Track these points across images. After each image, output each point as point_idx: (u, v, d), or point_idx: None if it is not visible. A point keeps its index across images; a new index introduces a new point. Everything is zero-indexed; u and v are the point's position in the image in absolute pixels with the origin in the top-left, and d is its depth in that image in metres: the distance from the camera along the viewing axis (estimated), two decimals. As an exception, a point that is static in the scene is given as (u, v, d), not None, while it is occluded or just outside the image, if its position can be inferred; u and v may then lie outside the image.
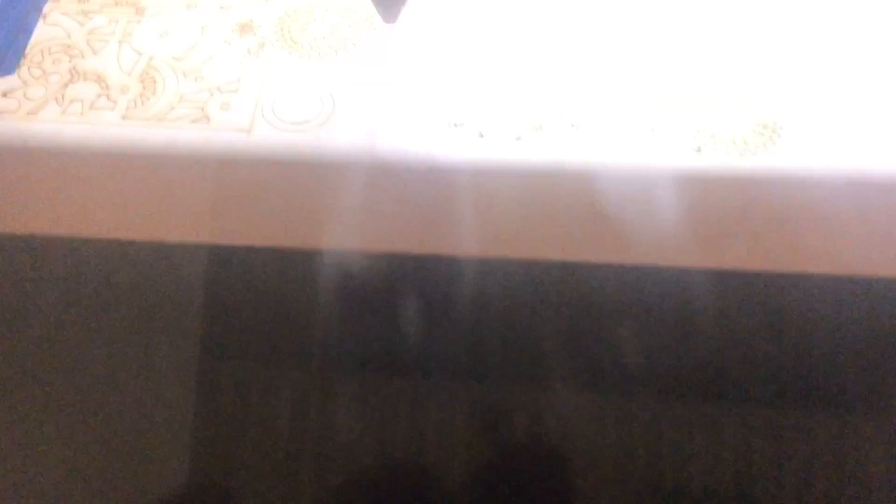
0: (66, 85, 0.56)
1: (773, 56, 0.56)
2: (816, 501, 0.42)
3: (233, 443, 0.44)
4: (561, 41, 0.58)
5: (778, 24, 0.58)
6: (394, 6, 0.45)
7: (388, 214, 0.51)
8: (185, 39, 0.58)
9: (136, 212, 0.50)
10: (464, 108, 0.54)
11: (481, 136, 0.53)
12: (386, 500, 0.41)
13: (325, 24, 0.60)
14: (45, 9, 0.61)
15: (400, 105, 0.55)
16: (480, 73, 0.56)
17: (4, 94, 0.55)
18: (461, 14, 0.59)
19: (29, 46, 0.58)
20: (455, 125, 0.54)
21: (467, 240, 0.49)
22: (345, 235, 0.49)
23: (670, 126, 0.53)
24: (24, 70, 0.57)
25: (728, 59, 0.57)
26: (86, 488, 0.44)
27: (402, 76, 0.56)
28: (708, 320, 0.46)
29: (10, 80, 0.56)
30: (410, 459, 0.42)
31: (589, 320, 0.47)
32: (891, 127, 0.52)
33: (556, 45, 0.58)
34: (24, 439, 0.45)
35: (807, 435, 0.44)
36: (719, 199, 0.51)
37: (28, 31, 0.59)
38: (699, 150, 0.52)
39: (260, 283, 0.49)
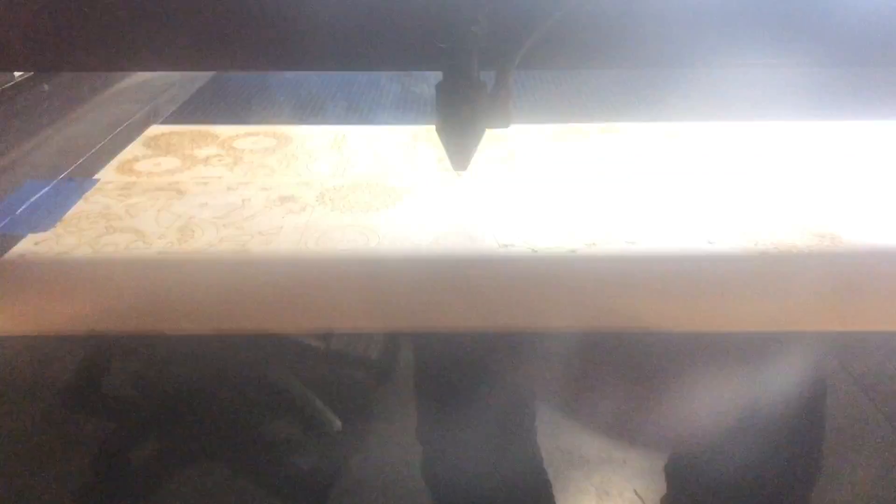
0: (100, 236, 0.54)
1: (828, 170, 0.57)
2: None
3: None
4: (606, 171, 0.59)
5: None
6: (465, 155, 0.46)
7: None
8: (226, 207, 0.59)
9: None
10: (514, 229, 0.53)
11: (534, 251, 0.51)
12: None
13: (366, 193, 0.61)
14: (87, 196, 0.61)
15: (448, 231, 0.53)
16: (530, 199, 0.56)
17: (36, 244, 0.53)
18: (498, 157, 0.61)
19: (66, 216, 0.58)
20: (505, 246, 0.52)
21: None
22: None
23: (728, 236, 0.52)
24: (58, 228, 0.56)
25: (783, 171, 0.58)
26: None
27: (448, 210, 0.56)
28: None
29: (42, 234, 0.55)
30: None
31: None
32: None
33: (603, 171, 0.59)
34: None
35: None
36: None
37: (67, 207, 0.59)
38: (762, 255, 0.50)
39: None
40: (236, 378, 0.43)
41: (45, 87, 0.78)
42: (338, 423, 0.40)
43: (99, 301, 0.47)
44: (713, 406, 0.42)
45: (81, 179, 0.64)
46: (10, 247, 0.53)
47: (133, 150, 0.71)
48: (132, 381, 0.43)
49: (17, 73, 0.74)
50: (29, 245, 0.53)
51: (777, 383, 0.43)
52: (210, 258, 0.51)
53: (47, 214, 0.58)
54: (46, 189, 0.62)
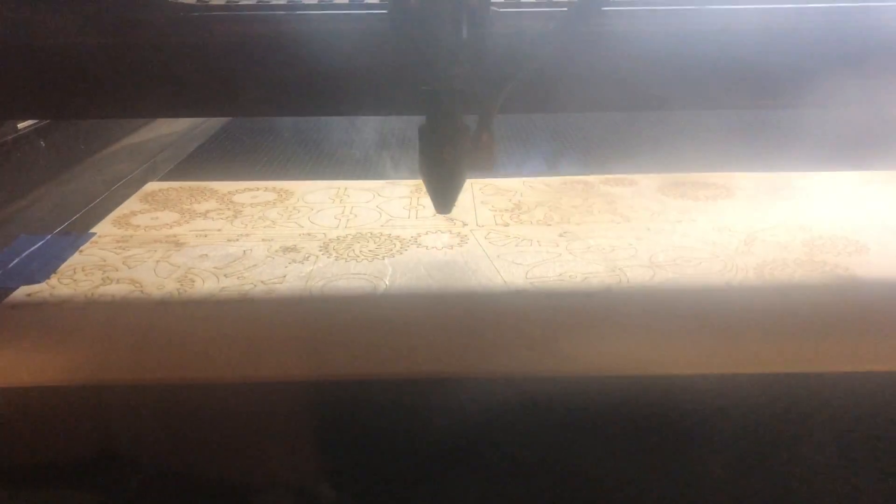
0: (96, 287, 0.52)
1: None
2: None
3: None
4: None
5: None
6: (448, 199, 0.45)
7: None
8: (227, 258, 0.57)
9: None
10: (525, 278, 0.52)
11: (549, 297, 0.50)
12: None
13: (370, 242, 0.59)
14: (84, 249, 0.60)
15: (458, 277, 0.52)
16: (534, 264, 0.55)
17: (29, 295, 0.51)
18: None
19: (61, 269, 0.56)
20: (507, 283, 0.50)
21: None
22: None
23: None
24: (52, 280, 0.54)
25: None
26: None
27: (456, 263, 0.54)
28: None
29: (36, 286, 0.53)
30: None
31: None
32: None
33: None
34: None
35: None
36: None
37: (62, 259, 0.57)
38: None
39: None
40: (244, 428, 0.40)
41: (42, 143, 0.77)
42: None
43: (96, 350, 0.45)
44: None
45: (77, 234, 0.62)
46: (1, 299, 0.51)
47: (130, 205, 0.69)
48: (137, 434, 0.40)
49: (16, 126, 0.73)
50: (21, 296, 0.51)
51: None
52: (212, 304, 0.49)
53: (41, 267, 0.56)
54: (41, 243, 0.61)
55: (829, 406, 0.43)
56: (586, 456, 0.39)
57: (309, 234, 0.61)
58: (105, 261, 0.57)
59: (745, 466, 0.39)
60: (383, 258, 0.56)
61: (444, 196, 0.48)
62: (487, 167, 0.45)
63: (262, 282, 0.52)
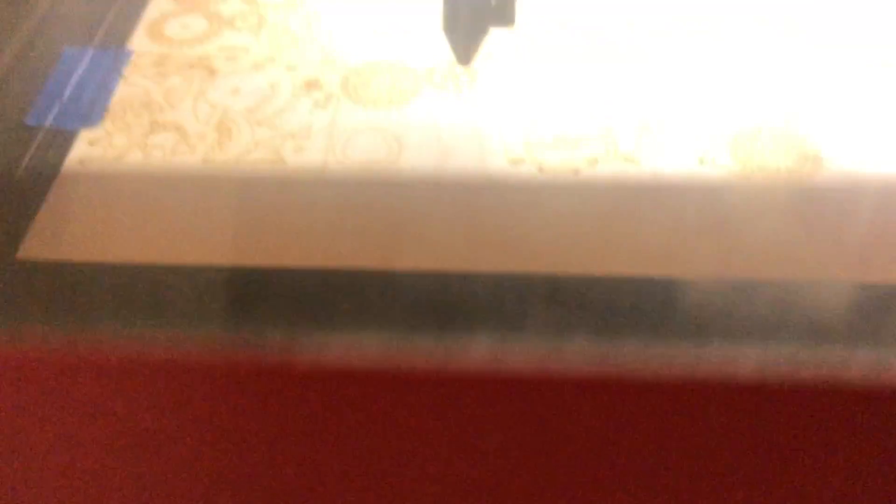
0: (147, 135, 0.60)
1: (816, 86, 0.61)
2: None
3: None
4: (611, 77, 0.62)
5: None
6: (469, 50, 0.49)
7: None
8: (256, 94, 0.63)
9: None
10: (523, 144, 0.58)
11: (541, 170, 0.57)
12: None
13: (387, 79, 0.64)
14: (126, 71, 0.65)
15: (463, 143, 0.58)
16: (536, 110, 0.60)
17: (91, 143, 0.59)
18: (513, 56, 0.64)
19: (112, 104, 0.62)
20: (515, 162, 0.57)
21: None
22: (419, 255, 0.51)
23: (719, 158, 0.57)
24: (107, 122, 0.61)
25: (775, 90, 0.61)
26: None
27: (464, 117, 0.60)
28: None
29: (94, 131, 0.60)
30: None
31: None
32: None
33: (608, 82, 0.62)
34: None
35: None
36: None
37: (110, 90, 0.64)
38: (748, 179, 0.55)
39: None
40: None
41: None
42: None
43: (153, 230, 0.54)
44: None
45: (117, 51, 0.67)
46: (64, 147, 0.59)
47: (158, 4, 0.72)
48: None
49: None
50: (84, 147, 0.59)
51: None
52: (247, 173, 0.57)
53: (94, 100, 0.63)
54: (86, 59, 0.66)
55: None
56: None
57: (330, 62, 0.66)
58: (149, 95, 0.63)
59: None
60: (399, 106, 0.62)
61: (465, 49, 0.53)
62: (509, 22, 0.49)
63: (290, 136, 0.59)
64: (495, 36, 0.59)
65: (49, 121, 0.61)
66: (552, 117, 0.60)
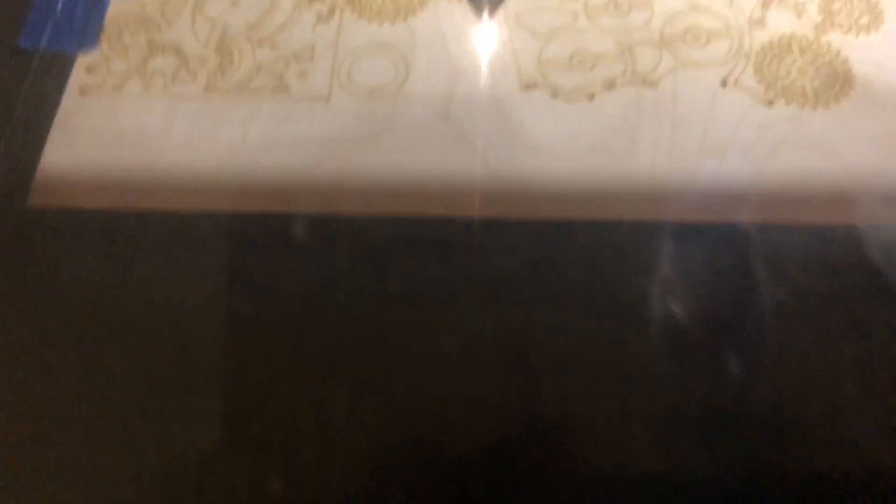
0: (146, 59, 0.57)
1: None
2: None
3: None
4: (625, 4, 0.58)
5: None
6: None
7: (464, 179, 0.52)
8: (256, 9, 0.60)
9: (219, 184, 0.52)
10: (536, 69, 0.55)
11: (555, 96, 0.54)
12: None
13: (393, -13, 0.60)
14: (117, -20, 0.62)
15: (473, 68, 0.55)
16: (550, 34, 0.57)
17: (89, 70, 0.57)
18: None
19: (107, 20, 0.60)
20: (528, 86, 0.55)
21: (542, 203, 0.50)
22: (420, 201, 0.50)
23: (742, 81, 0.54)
24: (105, 45, 0.58)
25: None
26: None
27: (472, 38, 0.57)
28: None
29: (92, 56, 0.58)
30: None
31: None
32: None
33: (623, 8, 0.58)
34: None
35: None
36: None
37: (104, 3, 0.61)
38: (770, 103, 0.53)
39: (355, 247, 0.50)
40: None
41: None
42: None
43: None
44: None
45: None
46: (62, 74, 0.57)
47: None
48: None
49: None
50: (82, 75, 0.57)
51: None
52: (253, 100, 0.55)
53: (88, 18, 0.60)
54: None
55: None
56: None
57: (333, -35, 0.62)
58: (144, 9, 0.60)
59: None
60: (405, 19, 0.59)
61: None
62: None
63: (293, 57, 0.57)
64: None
65: (44, 43, 0.59)
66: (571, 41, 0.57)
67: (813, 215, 0.48)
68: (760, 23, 0.56)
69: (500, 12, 0.58)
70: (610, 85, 0.54)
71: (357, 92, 0.55)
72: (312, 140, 0.53)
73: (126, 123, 0.55)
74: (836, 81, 0.53)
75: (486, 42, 0.56)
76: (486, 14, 0.57)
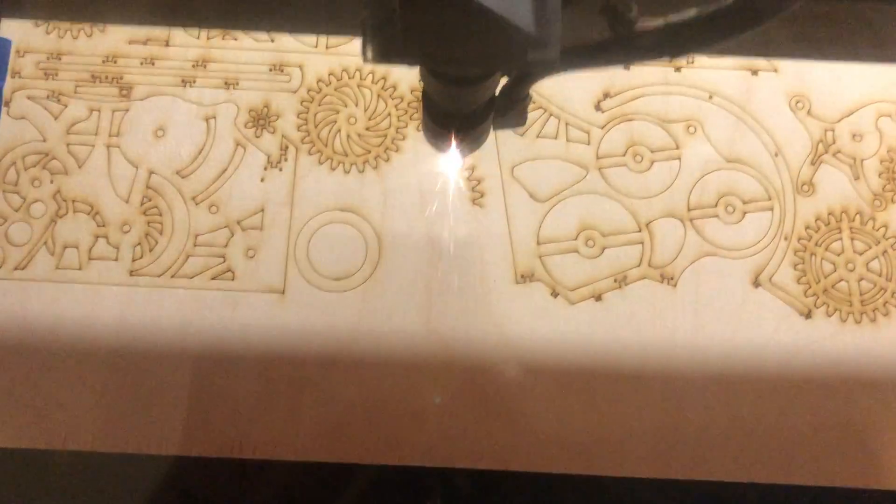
0: (52, 220, 0.47)
1: None
2: None
3: None
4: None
5: None
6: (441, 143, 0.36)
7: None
8: (189, 143, 0.48)
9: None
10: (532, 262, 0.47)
11: (554, 294, 0.46)
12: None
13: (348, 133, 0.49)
14: (6, 91, 0.49)
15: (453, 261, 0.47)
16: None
17: None
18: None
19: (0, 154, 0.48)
20: (523, 278, 0.46)
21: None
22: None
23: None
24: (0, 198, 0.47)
25: None
26: None
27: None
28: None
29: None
30: None
31: None
32: None
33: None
34: None
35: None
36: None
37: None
38: (808, 314, 0.46)
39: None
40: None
41: None
42: None
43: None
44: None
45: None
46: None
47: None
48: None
49: None
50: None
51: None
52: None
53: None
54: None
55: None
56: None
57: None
58: (44, 139, 0.48)
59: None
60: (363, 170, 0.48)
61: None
62: (521, 122, 0.37)
63: (238, 223, 0.47)
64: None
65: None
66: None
67: None
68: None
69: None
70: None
71: (319, 282, 0.46)
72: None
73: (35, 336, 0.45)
74: None
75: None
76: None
